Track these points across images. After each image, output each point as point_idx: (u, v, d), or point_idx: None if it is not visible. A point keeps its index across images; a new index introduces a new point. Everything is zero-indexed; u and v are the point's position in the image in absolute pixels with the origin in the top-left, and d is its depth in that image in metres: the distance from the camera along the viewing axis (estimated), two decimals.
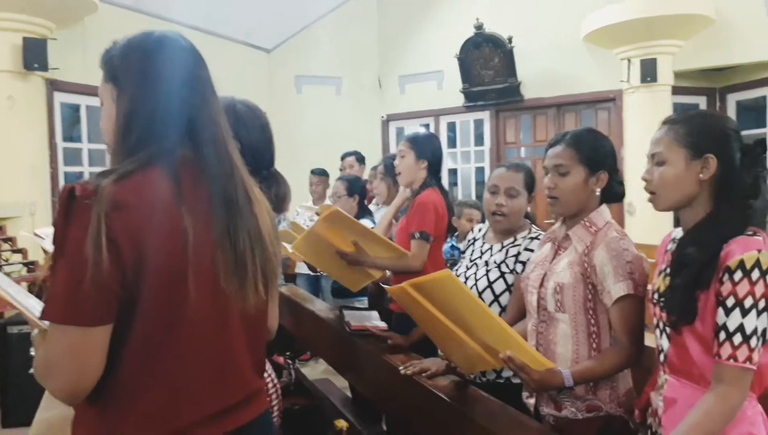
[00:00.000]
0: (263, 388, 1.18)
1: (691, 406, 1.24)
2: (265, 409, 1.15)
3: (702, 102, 6.76)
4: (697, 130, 1.34)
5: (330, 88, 7.93)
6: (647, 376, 1.52)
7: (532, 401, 1.68)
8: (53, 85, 5.26)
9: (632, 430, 1.57)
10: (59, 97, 5.44)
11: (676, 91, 6.32)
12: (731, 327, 1.20)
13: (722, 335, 1.21)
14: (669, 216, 6.36)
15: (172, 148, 1.00)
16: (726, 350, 1.20)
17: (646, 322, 1.50)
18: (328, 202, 4.60)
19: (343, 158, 4.76)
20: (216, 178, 1.03)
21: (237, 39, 7.24)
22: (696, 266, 1.26)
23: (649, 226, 5.86)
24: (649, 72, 6.10)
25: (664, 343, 1.37)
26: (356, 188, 3.56)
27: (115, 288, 0.91)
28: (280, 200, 1.56)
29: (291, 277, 4.55)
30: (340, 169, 4.81)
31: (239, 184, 1.07)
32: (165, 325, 0.96)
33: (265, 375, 1.60)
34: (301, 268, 4.40)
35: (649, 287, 1.44)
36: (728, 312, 1.21)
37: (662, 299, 1.34)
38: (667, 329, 1.34)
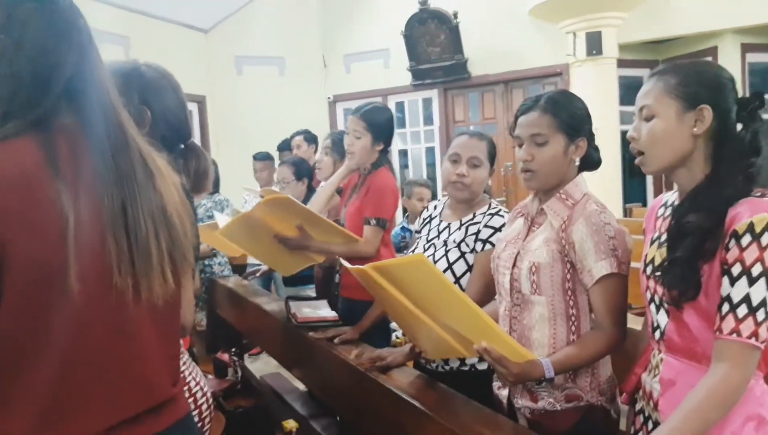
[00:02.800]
0: (178, 395, 1.02)
1: (693, 388, 1.11)
2: (182, 415, 1.00)
3: (646, 74, 6.78)
4: (689, 78, 1.19)
5: (272, 69, 7.63)
6: (628, 360, 1.41)
7: (504, 392, 1.54)
8: None
9: (614, 420, 1.46)
10: None
11: (621, 63, 6.35)
12: (736, 298, 1.06)
13: (725, 307, 1.08)
14: (618, 192, 6.37)
15: (46, 116, 0.84)
16: (728, 324, 1.07)
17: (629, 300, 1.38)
18: (275, 188, 4.39)
19: (292, 137, 4.55)
20: (104, 150, 0.86)
21: (171, 19, 6.83)
22: (699, 235, 1.12)
23: (600, 200, 5.92)
24: (594, 45, 6.10)
25: (662, 320, 1.23)
26: (303, 171, 3.44)
27: None
28: (200, 177, 1.35)
29: (241, 269, 4.32)
30: (291, 150, 4.60)
31: (135, 156, 0.90)
32: (36, 328, 0.80)
33: (187, 374, 1.43)
34: (252, 260, 4.18)
35: (640, 262, 1.31)
36: (734, 281, 1.07)
37: (658, 272, 1.21)
38: (665, 304, 1.21)
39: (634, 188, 6.90)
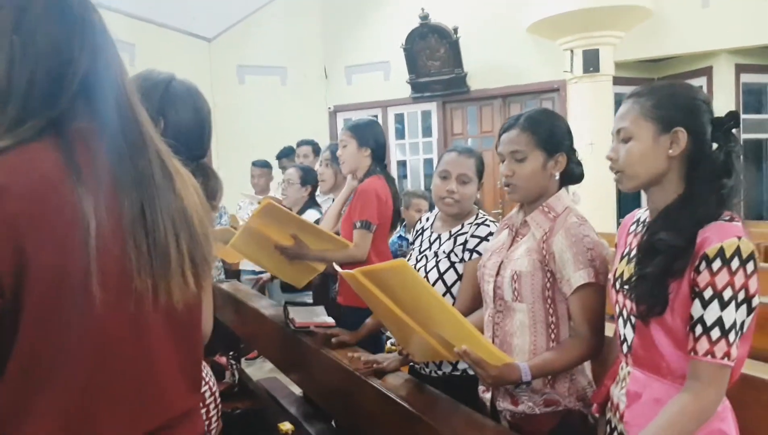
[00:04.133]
0: (195, 407, 0.99)
1: (657, 402, 1.17)
2: (198, 433, 0.98)
3: None
4: (664, 101, 1.23)
5: (274, 79, 7.72)
6: (606, 367, 1.47)
7: (488, 396, 1.61)
8: None
9: (591, 426, 1.52)
10: None
11: (617, 81, 6.44)
12: (709, 321, 1.11)
13: (698, 329, 1.12)
14: (612, 205, 6.45)
15: (62, 117, 0.81)
16: (703, 346, 1.11)
17: (607, 311, 1.44)
18: (271, 194, 4.46)
19: (298, 146, 4.61)
20: (123, 154, 0.84)
21: (176, 27, 6.94)
22: (669, 253, 1.16)
23: (594, 215, 5.95)
24: (591, 62, 6.21)
25: (628, 334, 1.27)
26: (310, 179, 3.51)
27: None
28: (208, 196, 1.41)
29: (234, 274, 4.39)
30: (297, 157, 4.66)
31: (154, 156, 0.88)
32: (59, 338, 0.77)
33: (203, 383, 1.46)
34: (247, 265, 4.25)
35: (610, 276, 1.36)
36: (705, 304, 1.11)
37: (626, 287, 1.25)
38: (632, 319, 1.25)
39: (628, 202, 6.97)
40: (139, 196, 0.84)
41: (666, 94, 1.25)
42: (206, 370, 1.55)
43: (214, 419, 1.54)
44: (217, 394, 1.56)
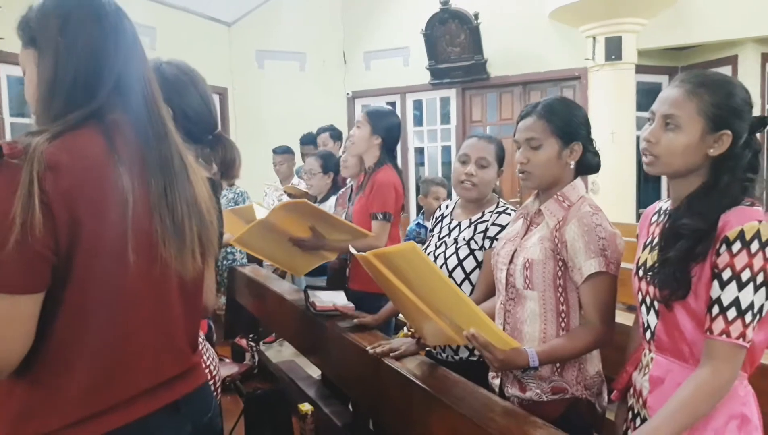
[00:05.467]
0: (199, 363, 1.13)
1: (679, 386, 1.19)
2: (204, 381, 1.12)
3: (664, 81, 6.83)
4: (723, 101, 1.21)
5: (293, 64, 7.74)
6: (618, 354, 1.48)
7: (497, 382, 1.64)
8: None
9: (599, 414, 1.54)
10: (6, 70, 5.15)
11: (639, 69, 6.36)
12: (726, 301, 1.13)
13: (715, 309, 1.14)
14: (632, 195, 6.35)
15: (100, 109, 0.94)
16: (718, 325, 1.14)
17: (620, 299, 1.44)
18: (295, 180, 4.48)
19: (318, 134, 4.61)
20: (150, 141, 0.98)
21: (196, 12, 6.97)
22: (692, 238, 1.18)
23: (613, 205, 5.93)
24: (613, 50, 6.13)
25: (652, 320, 1.29)
26: (330, 165, 3.48)
27: (48, 254, 0.84)
28: (228, 166, 1.44)
29: (257, 258, 4.43)
30: (316, 146, 4.67)
31: (173, 146, 1.02)
32: (101, 294, 0.90)
33: (202, 351, 1.51)
34: None
35: (623, 264, 1.38)
36: (723, 285, 1.13)
37: (650, 273, 1.27)
38: (656, 305, 1.27)
39: (648, 192, 6.92)
40: (162, 178, 0.98)
41: (725, 94, 1.22)
42: (209, 353, 1.58)
43: (213, 388, 1.56)
44: (217, 376, 1.58)
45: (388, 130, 2.57)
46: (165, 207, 0.96)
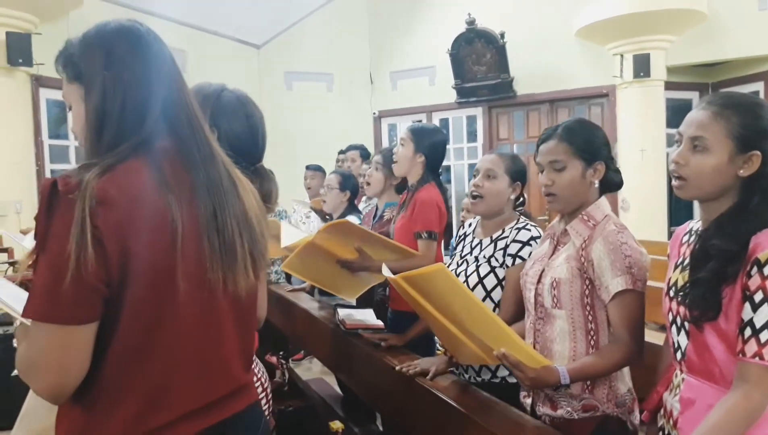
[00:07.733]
0: (250, 382, 1.14)
1: (711, 408, 1.17)
2: (254, 400, 1.12)
3: (695, 97, 6.76)
4: (751, 123, 1.21)
5: (321, 84, 7.87)
6: (649, 374, 1.47)
7: (529, 401, 1.64)
8: (38, 81, 5.16)
9: (630, 432, 1.53)
10: (45, 94, 5.34)
11: (669, 86, 6.32)
12: (758, 323, 1.12)
13: (748, 332, 1.13)
14: (664, 212, 6.25)
15: (149, 138, 0.97)
16: (751, 348, 1.13)
17: (648, 319, 1.43)
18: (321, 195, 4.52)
19: (346, 151, 4.65)
20: (197, 164, 1.00)
21: (226, 35, 7.16)
22: (722, 259, 1.17)
23: (644, 222, 5.86)
24: (642, 67, 6.10)
25: (682, 341, 1.29)
26: (349, 184, 3.51)
27: (100, 286, 0.88)
28: (265, 198, 1.47)
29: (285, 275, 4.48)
30: (337, 162, 4.71)
31: (221, 168, 1.04)
32: (152, 322, 0.93)
33: (255, 370, 1.54)
34: None
35: (654, 284, 1.36)
36: (756, 307, 1.12)
37: (681, 293, 1.26)
38: (686, 326, 1.27)
39: (680, 210, 6.81)
40: (211, 201, 0.99)
41: (753, 115, 1.22)
42: (259, 367, 1.61)
43: (265, 408, 1.60)
44: (269, 390, 1.62)
45: (431, 148, 2.48)
46: (215, 229, 0.98)
